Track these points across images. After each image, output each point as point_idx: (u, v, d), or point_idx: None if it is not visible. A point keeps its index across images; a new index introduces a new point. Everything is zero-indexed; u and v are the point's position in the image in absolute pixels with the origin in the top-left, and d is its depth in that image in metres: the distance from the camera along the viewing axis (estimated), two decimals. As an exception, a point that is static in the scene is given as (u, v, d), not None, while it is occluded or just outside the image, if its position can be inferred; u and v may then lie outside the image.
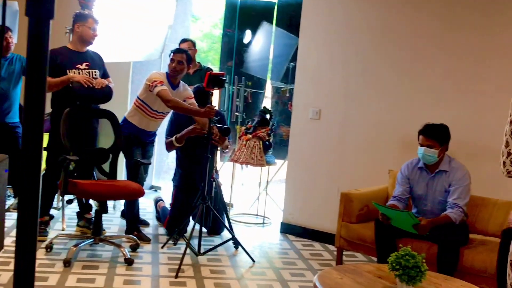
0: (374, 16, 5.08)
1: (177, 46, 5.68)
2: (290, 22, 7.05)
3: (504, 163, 1.95)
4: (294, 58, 6.47)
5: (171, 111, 4.99)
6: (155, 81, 4.67)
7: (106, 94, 4.72)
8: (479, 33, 4.55)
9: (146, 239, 4.81)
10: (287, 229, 5.56)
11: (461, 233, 3.94)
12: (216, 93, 5.26)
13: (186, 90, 4.95)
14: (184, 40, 5.89)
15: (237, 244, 4.72)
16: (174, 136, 4.87)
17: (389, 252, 3.05)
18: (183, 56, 4.86)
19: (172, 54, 4.90)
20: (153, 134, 5.11)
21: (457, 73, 4.67)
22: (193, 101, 4.85)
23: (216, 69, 7.93)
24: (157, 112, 4.87)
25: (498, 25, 4.47)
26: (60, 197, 5.18)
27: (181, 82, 4.95)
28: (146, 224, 5.31)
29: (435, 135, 4.00)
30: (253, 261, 4.52)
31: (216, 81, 4.38)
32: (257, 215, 6.10)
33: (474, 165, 4.21)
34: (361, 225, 4.35)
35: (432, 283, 2.85)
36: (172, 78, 4.83)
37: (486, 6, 4.54)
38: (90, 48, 4.85)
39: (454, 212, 3.90)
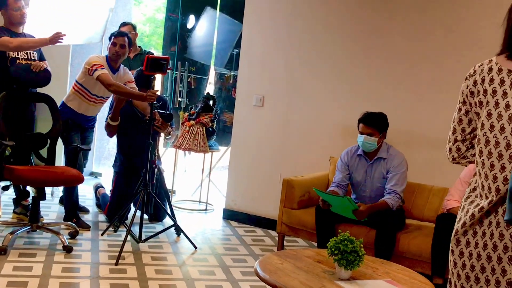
0: (317, 5, 5.12)
1: (118, 30, 5.58)
2: (234, 8, 7.02)
3: (450, 149, 2.03)
4: (238, 45, 6.46)
5: (112, 96, 4.89)
6: (95, 64, 4.55)
7: (46, 77, 4.57)
8: (416, 25, 4.66)
9: (85, 226, 4.72)
10: (230, 215, 5.58)
11: (398, 219, 4.06)
12: (158, 78, 5.19)
13: (127, 74, 4.85)
14: (124, 24, 5.77)
15: (179, 230, 4.69)
16: (108, 116, 4.78)
17: (328, 237, 3.10)
18: (125, 40, 4.77)
19: (113, 37, 4.79)
20: (93, 119, 4.99)
21: (395, 64, 4.77)
22: (134, 85, 4.76)
23: (159, 53, 7.82)
24: (96, 96, 4.75)
25: (434, 17, 4.59)
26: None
27: (122, 65, 4.85)
28: (85, 211, 5.21)
29: (375, 123, 4.09)
30: (195, 247, 4.51)
31: (156, 65, 4.27)
32: (199, 201, 6.09)
33: (411, 153, 4.33)
34: (302, 211, 4.41)
35: (369, 267, 2.92)
36: (113, 62, 4.73)
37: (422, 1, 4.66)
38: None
39: (392, 198, 4.02)
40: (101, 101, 4.86)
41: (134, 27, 5.73)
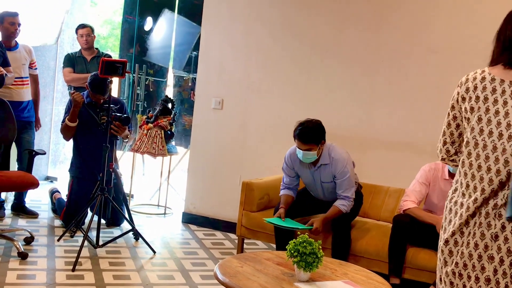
0: (275, 9, 5.15)
1: (74, 32, 5.57)
2: (192, 10, 6.98)
3: (440, 149, 2.23)
4: (196, 47, 6.43)
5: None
6: None
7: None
8: (371, 30, 4.75)
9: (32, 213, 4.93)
10: (189, 219, 5.55)
11: (352, 216, 4.10)
12: (116, 81, 5.13)
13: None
14: (82, 26, 5.67)
15: (137, 235, 4.64)
16: (65, 117, 4.71)
17: (287, 239, 3.12)
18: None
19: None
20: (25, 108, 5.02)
21: (351, 67, 4.84)
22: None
23: (116, 56, 7.72)
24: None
25: (387, 23, 4.68)
26: None
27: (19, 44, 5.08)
28: (34, 214, 5.13)
29: (311, 139, 3.91)
30: (154, 252, 4.47)
31: (112, 68, 4.20)
32: (158, 205, 6.04)
33: (367, 155, 4.40)
34: (262, 213, 4.42)
35: (328, 268, 2.96)
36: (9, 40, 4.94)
37: (377, 7, 4.73)
38: None
39: (344, 203, 3.98)
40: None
41: (92, 30, 5.66)
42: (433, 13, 4.50)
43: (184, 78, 7.30)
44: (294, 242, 2.74)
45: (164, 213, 5.84)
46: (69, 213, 4.82)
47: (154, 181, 6.71)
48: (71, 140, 4.96)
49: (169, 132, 5.65)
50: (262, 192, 4.52)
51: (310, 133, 3.91)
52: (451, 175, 3.86)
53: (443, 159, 2.23)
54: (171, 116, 5.69)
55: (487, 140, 2.01)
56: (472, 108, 2.05)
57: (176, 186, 6.37)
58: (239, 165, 5.32)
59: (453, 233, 2.08)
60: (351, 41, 4.83)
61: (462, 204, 2.06)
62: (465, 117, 2.09)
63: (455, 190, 2.13)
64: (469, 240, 2.03)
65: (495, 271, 1.98)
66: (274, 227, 4.05)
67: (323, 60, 4.95)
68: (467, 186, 2.05)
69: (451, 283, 2.09)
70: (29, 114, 5.07)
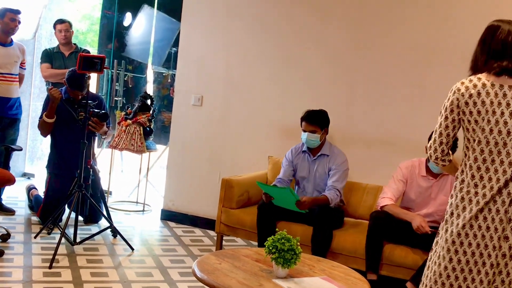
0: (255, 5, 5.15)
1: (52, 27, 5.52)
2: (172, 6, 6.96)
3: (435, 149, 2.51)
4: (176, 43, 6.40)
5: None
6: None
7: None
8: (352, 27, 4.77)
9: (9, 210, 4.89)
10: (168, 216, 5.53)
11: (336, 217, 4.15)
12: (94, 77, 5.09)
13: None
14: (60, 21, 5.61)
15: (115, 232, 4.61)
16: (43, 113, 4.66)
17: (269, 235, 3.13)
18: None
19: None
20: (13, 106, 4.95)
21: (332, 63, 4.86)
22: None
23: (95, 51, 7.65)
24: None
25: (367, 19, 4.71)
26: None
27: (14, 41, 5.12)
28: (11, 211, 5.06)
29: (317, 120, 4.24)
30: (132, 249, 4.45)
31: (89, 63, 4.17)
32: (137, 202, 6.00)
33: (346, 152, 4.41)
34: (241, 210, 4.43)
35: (306, 265, 2.97)
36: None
37: (357, 2, 4.76)
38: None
39: (332, 194, 4.11)
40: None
41: (70, 25, 5.60)
42: (412, 10, 4.53)
43: (164, 74, 7.28)
44: (272, 238, 2.75)
45: (143, 210, 5.81)
46: (46, 210, 4.77)
47: (132, 178, 6.67)
48: (49, 136, 4.91)
49: (148, 128, 5.62)
50: (241, 189, 4.52)
51: (316, 115, 4.27)
52: (429, 172, 3.90)
53: (436, 159, 2.51)
54: (150, 112, 5.66)
55: (497, 138, 2.37)
56: (479, 112, 2.38)
57: (155, 183, 6.34)
58: (218, 162, 5.31)
59: (470, 218, 2.41)
60: (331, 38, 4.84)
61: (477, 193, 2.41)
62: (469, 120, 2.41)
63: (462, 181, 2.46)
64: (487, 224, 2.40)
65: (510, 248, 2.38)
66: (257, 220, 4.10)
67: (303, 57, 4.96)
68: (481, 177, 2.40)
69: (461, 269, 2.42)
70: (17, 111, 5.05)
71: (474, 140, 2.43)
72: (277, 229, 3.01)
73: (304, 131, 4.26)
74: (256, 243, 4.26)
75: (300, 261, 2.78)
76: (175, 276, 3.99)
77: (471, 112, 2.40)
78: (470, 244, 2.42)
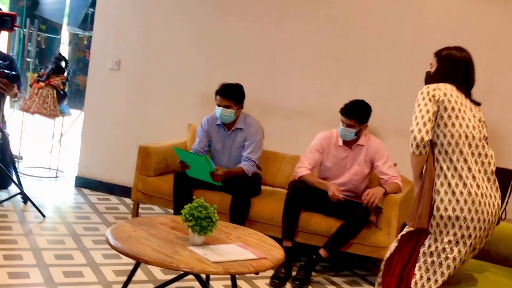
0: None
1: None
2: (89, -36, 6.67)
3: (422, 138, 2.66)
4: (93, 4, 6.15)
5: None
6: None
7: None
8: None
9: None
10: (82, 182, 5.37)
11: (254, 185, 4.19)
12: (4, 35, 4.81)
13: None
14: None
15: (25, 198, 4.44)
16: None
17: (185, 203, 3.10)
18: None
19: None
20: None
21: (253, 35, 4.83)
22: None
23: (6, 8, 7.22)
24: None
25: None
26: None
27: None
28: None
29: (231, 95, 4.13)
30: (43, 216, 4.30)
31: None
32: (49, 168, 5.79)
33: (265, 122, 4.44)
34: (158, 178, 4.37)
35: (222, 232, 2.97)
36: None
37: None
38: None
39: (247, 165, 4.14)
40: None
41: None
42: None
43: (80, 35, 6.99)
44: (189, 206, 2.73)
45: (56, 177, 5.61)
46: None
47: (45, 144, 6.42)
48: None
49: (62, 92, 5.38)
50: (159, 157, 4.45)
51: (230, 90, 4.13)
52: (345, 142, 4.00)
53: (424, 147, 2.68)
54: (65, 75, 5.43)
55: (467, 131, 2.73)
56: (453, 108, 2.72)
57: (69, 149, 6.13)
58: (137, 129, 5.19)
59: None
60: (255, 8, 4.81)
61: (467, 178, 2.70)
62: (449, 115, 2.71)
63: (445, 176, 2.72)
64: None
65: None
66: (173, 188, 4.08)
67: (226, 26, 4.90)
68: (469, 169, 2.70)
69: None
70: None
71: (445, 135, 2.75)
72: (194, 197, 3.00)
73: (219, 105, 4.13)
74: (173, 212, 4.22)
75: (216, 229, 2.78)
76: (88, 243, 3.89)
77: (453, 108, 2.73)
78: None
